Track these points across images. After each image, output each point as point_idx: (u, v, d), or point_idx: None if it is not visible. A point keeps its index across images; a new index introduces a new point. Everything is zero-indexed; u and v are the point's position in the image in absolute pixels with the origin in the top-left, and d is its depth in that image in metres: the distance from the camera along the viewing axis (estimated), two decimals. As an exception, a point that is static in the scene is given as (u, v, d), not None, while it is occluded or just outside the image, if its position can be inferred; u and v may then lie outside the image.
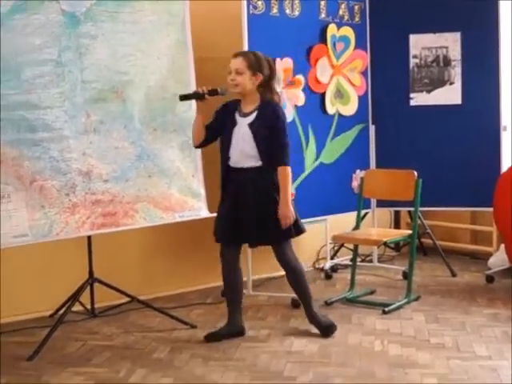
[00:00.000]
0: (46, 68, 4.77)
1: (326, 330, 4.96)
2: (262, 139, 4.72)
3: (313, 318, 5.02)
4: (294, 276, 5.02)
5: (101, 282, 5.25)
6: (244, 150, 4.76)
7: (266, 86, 4.82)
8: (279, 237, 4.87)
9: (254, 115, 4.77)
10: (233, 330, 4.97)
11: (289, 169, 4.78)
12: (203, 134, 4.88)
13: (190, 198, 5.49)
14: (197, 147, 5.06)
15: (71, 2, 4.87)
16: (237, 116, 4.82)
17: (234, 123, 4.81)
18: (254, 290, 6.04)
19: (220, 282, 6.11)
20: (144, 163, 5.25)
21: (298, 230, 4.91)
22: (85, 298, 5.31)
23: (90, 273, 5.25)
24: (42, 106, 4.77)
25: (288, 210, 4.75)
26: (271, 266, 6.58)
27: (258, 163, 4.75)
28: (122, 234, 5.26)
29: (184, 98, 4.87)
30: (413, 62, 6.64)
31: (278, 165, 4.74)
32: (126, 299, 5.38)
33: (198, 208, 5.52)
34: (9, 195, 4.67)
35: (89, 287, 5.29)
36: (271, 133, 4.71)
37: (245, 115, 4.80)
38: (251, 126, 4.75)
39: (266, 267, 6.50)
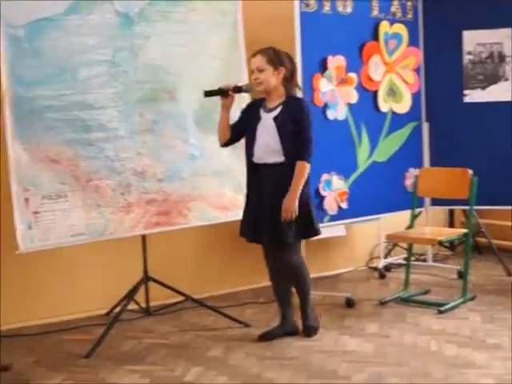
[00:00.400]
0: (101, 68, 4.83)
1: (309, 332, 4.95)
2: (286, 133, 4.64)
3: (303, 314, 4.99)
4: (299, 278, 4.93)
5: (155, 280, 5.28)
6: (268, 145, 4.69)
7: (290, 81, 4.77)
8: (290, 236, 4.72)
9: (278, 109, 4.71)
10: (286, 330, 4.96)
11: (307, 165, 4.69)
12: (229, 133, 4.84)
13: (242, 197, 5.47)
14: (223, 146, 4.95)
15: (125, 3, 4.91)
16: (262, 112, 4.76)
17: (258, 119, 4.75)
18: (308, 288, 6.02)
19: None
20: (197, 162, 5.27)
21: (311, 231, 4.82)
22: (140, 296, 5.35)
23: (145, 272, 5.28)
24: (97, 106, 4.82)
25: (292, 204, 4.61)
26: (325, 265, 6.60)
27: (281, 159, 4.67)
28: (176, 232, 5.29)
29: (208, 94, 4.81)
30: (466, 58, 6.55)
31: (298, 159, 4.65)
32: (180, 298, 5.41)
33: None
34: (65, 195, 4.73)
35: (144, 286, 5.33)
36: (295, 127, 4.64)
37: (270, 110, 4.74)
38: (276, 119, 4.68)
39: (319, 266, 6.49)
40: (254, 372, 4.33)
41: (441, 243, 6.94)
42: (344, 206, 6.03)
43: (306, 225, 4.75)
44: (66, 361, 4.61)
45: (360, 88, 6.12)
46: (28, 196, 4.61)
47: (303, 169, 4.66)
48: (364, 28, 6.16)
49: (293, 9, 5.69)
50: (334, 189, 5.97)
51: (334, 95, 5.94)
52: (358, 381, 4.15)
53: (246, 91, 4.85)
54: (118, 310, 5.20)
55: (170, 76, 5.13)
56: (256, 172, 4.77)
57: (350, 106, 6.06)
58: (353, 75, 6.06)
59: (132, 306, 5.33)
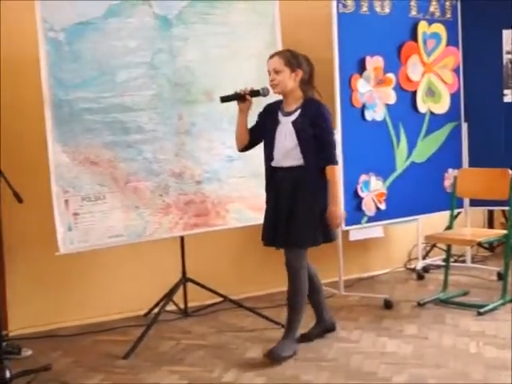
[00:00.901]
0: (140, 70, 4.87)
1: (272, 355, 4.54)
2: (305, 137, 4.54)
3: (286, 337, 4.66)
4: (293, 288, 4.68)
5: (193, 281, 5.30)
6: (286, 149, 4.58)
7: (308, 83, 4.69)
8: (308, 240, 4.63)
9: (297, 113, 4.60)
10: (322, 328, 4.95)
11: (337, 168, 4.63)
12: (247, 137, 4.77)
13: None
14: (241, 151, 4.87)
15: (163, 6, 4.94)
16: (280, 116, 4.66)
17: (276, 123, 4.65)
18: (346, 290, 6.00)
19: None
20: (234, 164, 5.28)
21: (330, 237, 4.71)
22: (178, 297, 5.38)
23: (183, 273, 5.31)
24: (136, 108, 4.86)
25: (337, 209, 4.56)
26: (362, 267, 6.58)
27: (300, 162, 4.57)
28: (215, 234, 5.30)
29: (225, 99, 4.74)
30: (506, 57, 6.49)
31: (325, 164, 4.56)
32: (218, 299, 5.42)
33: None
34: (104, 196, 4.77)
35: (182, 287, 5.35)
36: (315, 131, 4.54)
37: (288, 114, 4.63)
38: (294, 123, 4.58)
39: (357, 267, 6.48)
40: (291, 373, 4.33)
41: (480, 244, 6.90)
42: (382, 206, 6.00)
43: (325, 230, 4.64)
44: (104, 361, 4.64)
45: (398, 88, 6.09)
46: (68, 198, 4.66)
47: (335, 172, 4.61)
48: (402, 28, 6.13)
49: (330, 9, 5.68)
50: (372, 190, 5.95)
51: (372, 96, 5.92)
52: (397, 382, 4.14)
53: (264, 95, 4.73)
54: (156, 311, 5.23)
55: (208, 77, 5.15)
56: (274, 176, 4.69)
57: (388, 107, 6.04)
58: (391, 76, 6.03)
59: (170, 307, 5.35)
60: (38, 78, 4.61)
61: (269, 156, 4.68)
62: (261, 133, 4.73)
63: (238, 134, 4.79)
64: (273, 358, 4.50)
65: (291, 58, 4.63)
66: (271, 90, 4.70)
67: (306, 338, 4.87)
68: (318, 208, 4.57)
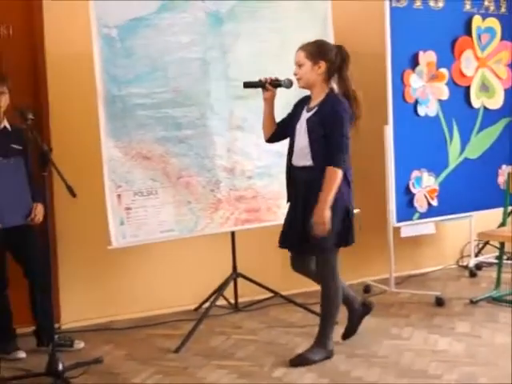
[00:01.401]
0: (192, 66, 4.91)
1: (299, 360, 4.45)
2: (316, 137, 4.32)
3: (317, 343, 4.53)
4: (323, 296, 4.53)
5: (244, 276, 5.31)
6: (300, 147, 4.42)
7: (339, 76, 4.45)
8: (320, 247, 4.40)
9: (315, 110, 4.41)
10: (357, 312, 4.80)
11: (338, 172, 4.28)
12: (271, 128, 4.60)
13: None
14: (267, 141, 4.71)
15: (215, 2, 4.96)
16: (304, 110, 4.47)
17: (298, 118, 4.47)
18: (397, 287, 5.96)
19: (362, 278, 6.14)
20: (284, 159, 5.25)
21: (344, 240, 4.49)
22: (228, 292, 5.40)
23: (234, 268, 5.33)
24: (188, 104, 4.90)
25: (323, 216, 4.24)
26: (413, 263, 6.53)
27: (310, 162, 4.37)
28: (265, 229, 5.29)
29: (248, 85, 4.65)
30: (562, 52, 6.39)
31: (328, 164, 4.28)
32: (269, 294, 5.42)
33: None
34: (156, 191, 4.81)
35: (232, 282, 5.37)
36: (325, 131, 4.30)
37: (309, 110, 4.44)
38: (308, 121, 4.38)
39: (408, 264, 6.43)
40: (342, 370, 4.32)
41: (534, 242, 6.80)
42: (434, 203, 5.95)
43: (346, 232, 4.46)
44: (155, 355, 4.68)
45: (451, 84, 6.03)
46: (120, 192, 4.72)
47: (333, 176, 4.27)
48: (456, 23, 6.06)
49: (383, 4, 5.64)
50: (425, 186, 5.90)
51: (425, 91, 5.87)
52: (448, 381, 4.10)
53: (286, 86, 4.55)
54: (206, 305, 5.25)
55: (259, 73, 5.11)
56: (292, 174, 4.52)
57: (441, 102, 5.97)
58: (444, 71, 5.97)
59: (221, 302, 5.37)
60: (91, 73, 4.67)
61: (289, 152, 4.53)
62: (287, 125, 4.57)
63: (263, 123, 4.65)
64: (299, 363, 4.41)
65: (314, 50, 4.41)
66: (296, 83, 4.53)
67: (348, 333, 4.81)
68: (334, 210, 4.31)
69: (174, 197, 4.85)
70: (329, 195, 4.27)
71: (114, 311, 5.40)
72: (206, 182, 4.97)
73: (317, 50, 4.42)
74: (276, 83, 4.57)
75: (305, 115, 4.44)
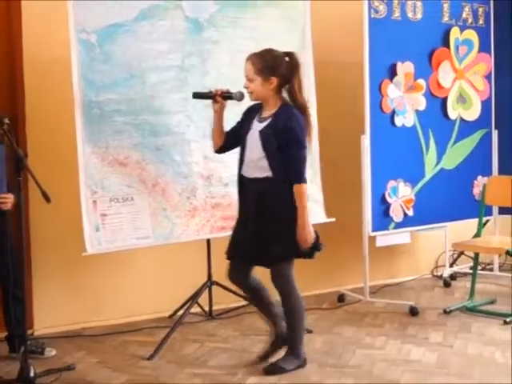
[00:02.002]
0: (170, 73, 4.89)
1: (273, 371, 4.41)
2: (271, 149, 4.24)
3: (289, 353, 4.46)
4: (288, 306, 4.48)
5: (219, 284, 5.30)
6: (252, 159, 4.32)
7: (287, 88, 4.32)
8: (278, 257, 4.36)
9: (268, 121, 4.29)
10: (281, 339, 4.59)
11: (304, 186, 4.25)
12: (221, 139, 4.50)
13: (308, 203, 5.48)
14: (216, 152, 4.62)
15: (195, 9, 4.96)
16: (255, 120, 4.35)
17: (249, 128, 4.35)
18: (372, 296, 5.98)
19: (337, 287, 6.15)
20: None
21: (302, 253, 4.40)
22: (203, 300, 5.39)
23: (209, 275, 5.33)
24: (165, 111, 4.89)
25: (306, 233, 4.28)
26: (388, 273, 6.56)
27: (265, 174, 4.28)
28: (241, 237, 5.29)
29: (197, 96, 4.58)
30: (539, 65, 6.46)
31: (292, 182, 4.24)
32: (243, 302, 5.41)
33: (317, 213, 5.50)
34: (132, 198, 4.79)
35: (207, 289, 5.37)
36: (281, 144, 4.21)
37: (261, 120, 4.33)
38: (261, 133, 4.27)
39: (383, 274, 6.46)
40: (314, 379, 4.32)
41: (508, 253, 6.83)
42: (410, 213, 5.98)
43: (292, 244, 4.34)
44: (128, 362, 4.66)
45: (428, 95, 6.07)
46: (96, 198, 4.69)
47: (300, 192, 4.24)
48: (434, 34, 6.11)
49: (362, 15, 5.67)
50: (401, 196, 5.93)
51: (402, 102, 5.90)
52: (420, 391, 4.13)
53: (237, 99, 4.44)
54: (181, 312, 5.25)
55: (238, 81, 5.11)
56: (244, 185, 4.43)
57: (418, 113, 6.01)
58: (421, 82, 6.01)
59: (195, 310, 5.37)
60: (68, 78, 4.64)
61: (239, 162, 4.43)
62: (237, 135, 4.45)
63: (212, 134, 4.54)
64: (273, 371, 4.38)
65: (264, 66, 4.27)
66: (247, 96, 4.42)
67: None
68: (288, 221, 4.29)
69: (150, 204, 4.84)
70: (304, 212, 4.27)
71: (87, 318, 5.37)
72: (183, 189, 4.96)
73: (267, 66, 4.28)
74: (227, 95, 4.45)
75: (256, 125, 4.34)
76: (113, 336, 5.16)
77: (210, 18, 5.03)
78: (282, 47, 5.30)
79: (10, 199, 4.41)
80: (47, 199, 4.03)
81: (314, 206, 5.47)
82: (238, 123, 4.50)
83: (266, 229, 4.29)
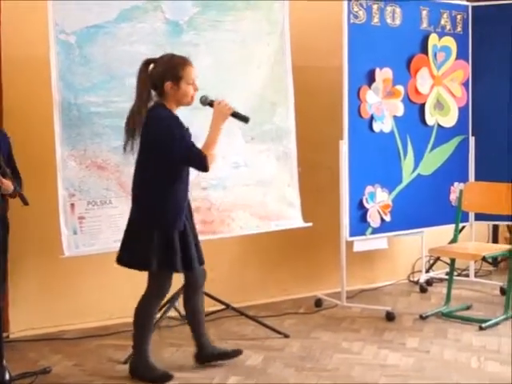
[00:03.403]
0: (150, 76, 4.87)
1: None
2: None
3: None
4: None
5: (196, 288, 5.29)
6: None
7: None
8: None
9: None
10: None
11: None
12: None
13: (285, 207, 5.50)
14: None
15: (175, 11, 4.95)
16: None
17: None
18: (348, 301, 5.98)
19: (314, 292, 6.15)
20: (241, 171, 5.28)
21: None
22: (180, 303, 5.36)
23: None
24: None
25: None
26: (365, 278, 6.57)
27: None
28: (218, 241, 5.29)
29: (235, 115, 4.43)
30: (515, 72, 6.50)
31: None
32: (221, 306, 5.40)
33: (293, 217, 5.52)
34: (110, 201, 4.78)
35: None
36: None
37: None
38: None
39: (360, 279, 6.47)
40: (292, 383, 4.32)
41: (484, 259, 6.89)
42: (387, 218, 6.00)
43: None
44: (105, 366, 4.65)
45: (407, 101, 6.10)
46: (74, 201, 4.67)
47: None
48: (412, 41, 6.14)
49: (341, 20, 5.68)
50: (378, 201, 5.95)
51: (381, 107, 5.93)
52: (397, 396, 4.15)
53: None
54: (158, 316, 5.21)
55: (218, 84, 5.14)
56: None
57: (396, 119, 6.04)
58: (400, 88, 6.04)
59: (172, 313, 5.34)
60: (47, 80, 4.62)
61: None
62: None
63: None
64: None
65: None
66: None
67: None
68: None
69: (129, 207, 4.79)
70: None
71: (65, 321, 5.34)
72: (160, 192, 4.95)
73: None
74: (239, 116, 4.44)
75: None
76: (89, 339, 5.14)
77: (190, 21, 5.03)
78: (262, 51, 5.36)
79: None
80: (25, 202, 4.00)
81: (291, 210, 5.49)
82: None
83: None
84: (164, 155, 4.17)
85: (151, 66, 4.28)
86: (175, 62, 4.27)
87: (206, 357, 4.62)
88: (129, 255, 4.32)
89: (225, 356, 4.67)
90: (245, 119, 4.45)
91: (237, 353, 4.70)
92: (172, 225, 4.25)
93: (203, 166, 4.22)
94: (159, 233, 4.22)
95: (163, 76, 4.22)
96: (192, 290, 4.59)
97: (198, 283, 4.58)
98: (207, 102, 4.42)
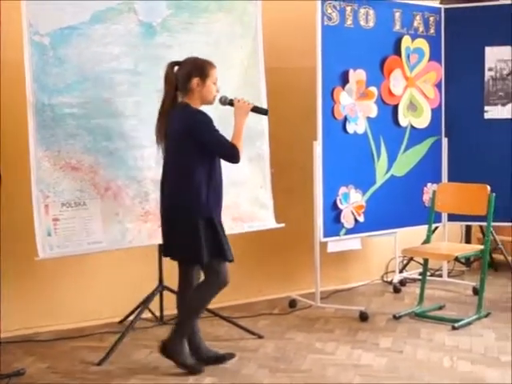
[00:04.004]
0: (123, 77, 4.87)
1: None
2: None
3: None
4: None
5: (170, 289, 5.28)
6: None
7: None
8: None
9: None
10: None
11: None
12: None
13: (257, 209, 5.50)
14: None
15: (148, 13, 4.94)
16: None
17: None
18: (322, 301, 6.00)
19: (288, 293, 6.16)
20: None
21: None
22: (154, 305, 5.37)
23: (160, 280, 5.30)
24: (118, 115, 4.86)
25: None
26: (339, 278, 6.59)
27: None
28: (192, 242, 5.28)
29: (256, 110, 4.67)
30: (488, 74, 6.54)
31: None
32: (195, 307, 5.40)
33: (266, 218, 5.53)
34: (84, 202, 4.76)
35: (158, 295, 5.35)
36: None
37: None
38: None
39: (334, 279, 6.49)
40: (265, 384, 4.35)
41: (457, 259, 6.93)
42: (361, 219, 6.03)
43: None
44: (78, 368, 4.63)
45: (380, 102, 6.13)
46: (48, 203, 4.65)
47: None
48: (386, 42, 6.17)
49: (315, 22, 5.70)
50: (352, 202, 5.98)
51: (354, 109, 5.96)
52: (370, 396, 4.17)
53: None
54: (131, 318, 5.22)
55: (191, 86, 5.15)
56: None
57: (370, 120, 6.07)
58: (373, 89, 6.07)
59: (146, 315, 5.34)
60: (21, 81, 4.60)
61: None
62: None
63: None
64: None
65: None
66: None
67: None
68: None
69: (102, 208, 4.80)
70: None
71: (38, 323, 5.31)
72: (135, 193, 4.94)
73: None
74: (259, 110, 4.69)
75: None
76: (63, 341, 5.12)
77: (164, 23, 5.02)
78: (235, 53, 5.36)
79: None
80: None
81: (263, 211, 5.50)
82: None
83: None
84: (200, 148, 4.38)
85: (176, 68, 4.49)
86: (202, 61, 4.53)
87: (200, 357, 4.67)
88: (179, 250, 4.48)
89: (216, 359, 4.72)
90: (264, 112, 4.74)
91: (230, 355, 4.78)
92: (214, 212, 4.45)
93: (235, 158, 4.46)
94: (203, 222, 4.37)
95: (190, 73, 4.45)
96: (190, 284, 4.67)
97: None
98: (227, 102, 4.62)
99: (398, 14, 6.23)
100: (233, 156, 4.45)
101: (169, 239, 4.51)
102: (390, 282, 6.70)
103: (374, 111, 6.09)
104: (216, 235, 4.42)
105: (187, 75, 4.44)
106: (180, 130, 4.39)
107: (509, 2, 6.45)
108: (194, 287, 4.62)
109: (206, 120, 4.41)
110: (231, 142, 4.43)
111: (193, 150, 4.38)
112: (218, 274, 4.49)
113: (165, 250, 4.57)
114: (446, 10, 6.56)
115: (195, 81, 4.43)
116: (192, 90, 4.45)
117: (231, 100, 4.60)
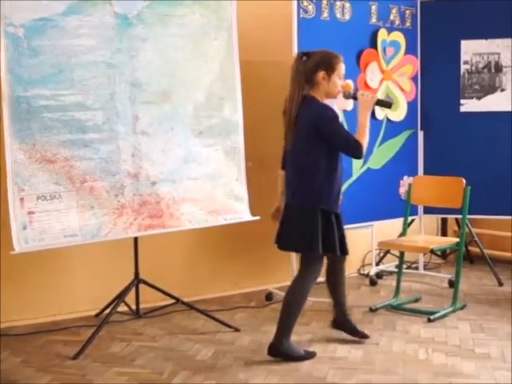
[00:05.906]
0: (98, 69, 4.83)
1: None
2: None
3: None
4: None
5: (146, 283, 5.28)
6: None
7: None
8: None
9: None
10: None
11: None
12: None
13: (233, 201, 5.49)
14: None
15: (123, 5, 4.91)
16: None
17: None
18: (299, 294, 6.00)
19: (264, 286, 6.16)
20: (190, 166, 5.26)
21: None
22: (130, 298, 5.35)
23: (136, 274, 5.29)
24: (94, 107, 4.82)
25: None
26: (316, 271, 6.57)
27: None
28: (168, 235, 5.28)
29: (380, 103, 4.86)
30: (463, 67, 6.56)
31: None
32: (171, 301, 5.40)
33: (241, 211, 5.52)
34: (60, 195, 4.72)
35: (134, 288, 5.34)
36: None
37: None
38: None
39: (310, 271, 6.49)
40: (241, 377, 4.34)
41: (433, 251, 6.98)
42: (337, 212, 6.03)
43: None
44: (53, 361, 4.61)
45: (356, 95, 6.13)
46: (23, 196, 4.60)
47: None
48: (362, 35, 6.18)
49: (291, 14, 5.70)
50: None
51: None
52: (345, 388, 4.17)
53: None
54: (107, 311, 5.20)
55: (166, 79, 5.13)
56: None
57: (346, 113, 6.07)
58: (349, 82, 6.05)
59: (122, 308, 5.33)
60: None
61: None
62: None
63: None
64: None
65: None
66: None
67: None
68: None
69: (78, 201, 4.77)
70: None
71: (13, 316, 5.29)
72: (110, 186, 4.91)
73: None
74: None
75: None
76: (38, 335, 5.10)
77: (139, 15, 4.98)
78: (210, 45, 5.34)
79: None
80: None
81: (239, 204, 5.49)
82: None
83: None
84: (326, 142, 4.46)
85: (304, 58, 4.54)
86: (330, 54, 4.58)
87: (340, 325, 5.02)
88: (296, 239, 4.59)
89: (354, 333, 4.97)
90: (389, 105, 4.88)
91: (365, 336, 4.95)
92: (334, 205, 4.57)
93: (359, 154, 4.54)
94: (322, 215, 4.47)
95: (318, 65, 4.51)
96: (335, 268, 4.96)
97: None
98: (351, 96, 4.73)
99: (374, 7, 6.24)
100: (356, 152, 4.53)
101: (286, 231, 4.65)
102: (367, 275, 6.72)
103: (349, 104, 6.08)
104: (331, 229, 4.53)
105: (314, 68, 4.49)
106: (308, 123, 4.45)
107: (484, -4, 6.48)
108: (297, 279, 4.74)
109: (334, 116, 4.48)
110: (355, 138, 4.48)
111: (319, 143, 4.45)
112: (316, 267, 4.67)
113: (280, 241, 4.74)
114: (422, 3, 6.57)
115: (321, 74, 4.49)
116: (317, 83, 4.51)
117: (355, 94, 4.67)
